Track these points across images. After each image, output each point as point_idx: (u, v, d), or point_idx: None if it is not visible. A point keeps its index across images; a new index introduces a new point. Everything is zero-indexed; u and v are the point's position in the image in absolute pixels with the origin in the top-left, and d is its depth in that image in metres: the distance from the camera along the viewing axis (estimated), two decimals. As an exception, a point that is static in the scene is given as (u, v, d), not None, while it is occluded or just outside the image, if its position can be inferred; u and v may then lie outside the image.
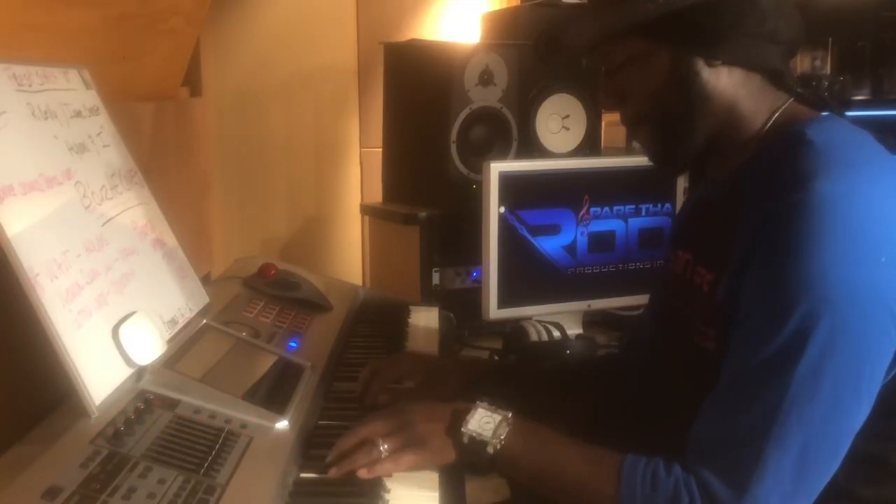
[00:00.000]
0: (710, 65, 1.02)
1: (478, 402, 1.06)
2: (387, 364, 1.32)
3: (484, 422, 1.03)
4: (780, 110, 1.05)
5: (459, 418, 1.04)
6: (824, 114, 1.05)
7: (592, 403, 1.34)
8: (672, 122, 1.06)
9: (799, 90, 1.06)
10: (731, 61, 1.02)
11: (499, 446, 1.01)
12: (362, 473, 1.00)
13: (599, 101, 1.15)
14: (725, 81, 1.03)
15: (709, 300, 1.04)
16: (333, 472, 1.01)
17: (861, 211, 0.90)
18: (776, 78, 1.05)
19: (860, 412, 0.91)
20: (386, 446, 1.02)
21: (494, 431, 1.02)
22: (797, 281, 0.89)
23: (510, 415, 1.04)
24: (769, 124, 1.04)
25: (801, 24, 1.04)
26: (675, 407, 1.10)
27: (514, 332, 1.79)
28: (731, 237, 0.99)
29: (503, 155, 2.01)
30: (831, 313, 0.88)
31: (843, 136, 0.99)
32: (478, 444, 1.02)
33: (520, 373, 1.42)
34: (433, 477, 1.04)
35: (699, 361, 1.06)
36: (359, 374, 1.33)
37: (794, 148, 0.96)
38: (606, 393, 1.33)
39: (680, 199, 1.94)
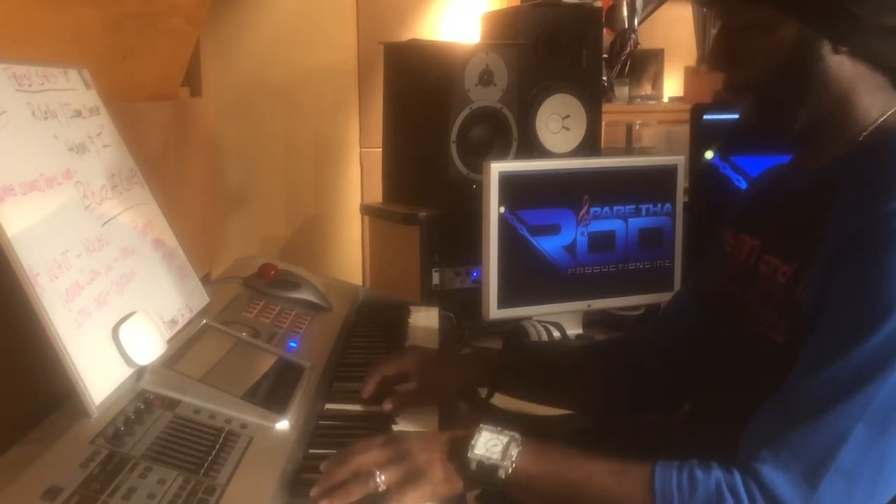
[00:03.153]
0: (836, 51, 0.96)
1: (481, 425, 0.98)
2: (387, 360, 1.30)
3: (491, 444, 0.96)
4: (893, 111, 0.99)
5: (464, 444, 0.96)
6: None
7: (597, 390, 1.31)
8: (779, 99, 1.00)
9: None
10: (858, 52, 0.96)
11: (510, 469, 0.94)
12: None
13: (705, 57, 1.07)
14: (847, 71, 0.97)
15: (787, 294, 0.99)
16: None
17: None
18: None
19: None
20: (383, 478, 0.94)
21: (504, 453, 0.95)
22: (892, 291, 0.85)
23: (518, 435, 0.97)
24: (876, 124, 0.99)
25: None
26: (726, 395, 1.08)
27: (514, 332, 1.79)
28: (818, 232, 0.95)
29: (503, 155, 2.01)
30: None
31: None
32: (487, 468, 0.94)
33: (522, 362, 1.40)
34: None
35: (762, 351, 1.02)
36: (359, 374, 1.32)
37: None
38: (611, 378, 1.31)
39: (680, 198, 1.94)
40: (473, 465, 0.95)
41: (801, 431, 0.87)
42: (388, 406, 1.20)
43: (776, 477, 0.86)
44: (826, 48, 0.97)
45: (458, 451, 0.97)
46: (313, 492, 0.93)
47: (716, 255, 1.21)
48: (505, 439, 0.96)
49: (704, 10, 2.98)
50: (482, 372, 1.32)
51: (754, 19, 0.99)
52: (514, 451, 0.95)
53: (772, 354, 1.00)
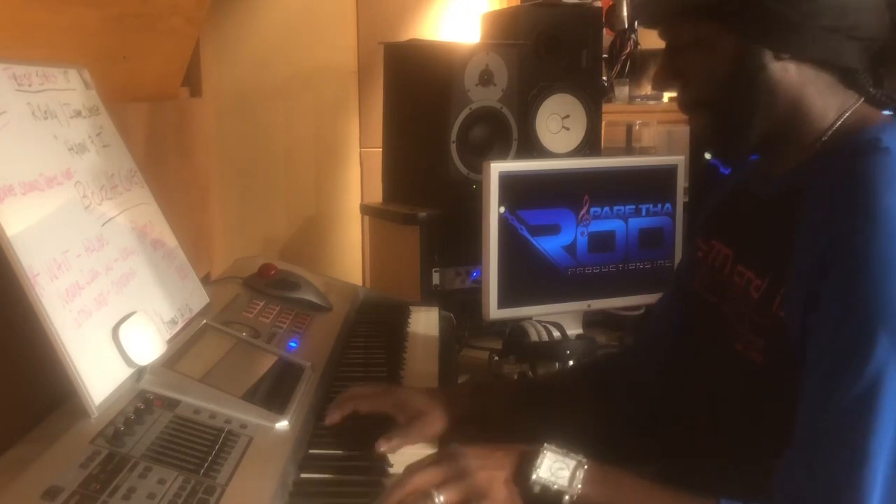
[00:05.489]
0: (777, 58, 0.97)
1: (545, 445, 0.95)
2: (367, 396, 1.17)
3: (556, 468, 0.93)
4: (851, 110, 0.99)
5: (528, 464, 0.93)
6: (887, 113, 1.00)
7: (596, 409, 1.28)
8: (730, 112, 1.01)
9: (871, 90, 1.00)
10: (801, 56, 0.97)
11: (576, 496, 0.91)
12: None
13: (653, 79, 1.09)
14: (793, 76, 0.97)
15: (762, 310, 0.98)
16: None
17: None
18: (849, 76, 0.99)
19: None
20: (442, 499, 0.90)
21: (570, 480, 0.92)
22: (878, 307, 0.83)
23: (584, 459, 0.94)
24: (837, 125, 0.99)
25: (885, 17, 0.97)
26: (712, 414, 1.07)
27: (514, 332, 1.79)
28: (791, 243, 0.93)
29: (503, 155, 2.01)
30: None
31: None
32: (552, 493, 0.92)
33: (516, 392, 1.35)
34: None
35: (741, 371, 1.01)
36: (359, 374, 1.32)
37: (868, 155, 0.91)
38: (610, 396, 1.28)
39: (681, 198, 1.94)
40: (537, 489, 0.92)
41: (822, 483, 0.86)
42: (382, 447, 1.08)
43: None
44: (768, 56, 0.97)
45: (521, 471, 0.93)
46: None
47: (688, 259, 1.21)
48: (571, 463, 0.93)
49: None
50: (472, 405, 1.22)
51: (696, 37, 1.00)
52: (580, 477, 0.92)
53: (751, 375, 0.99)
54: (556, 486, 0.92)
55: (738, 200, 1.13)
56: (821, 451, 0.86)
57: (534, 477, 0.92)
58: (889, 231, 0.84)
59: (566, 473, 0.92)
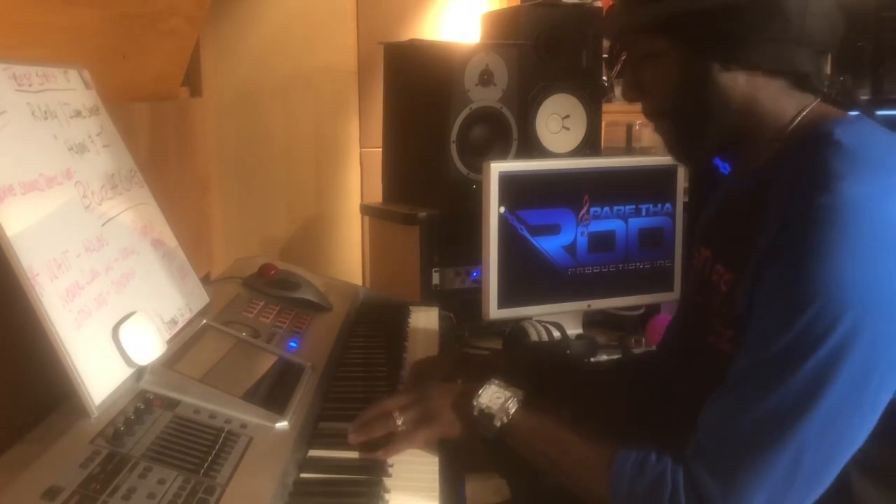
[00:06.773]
0: (726, 69, 1.00)
1: (492, 379, 1.11)
2: (432, 363, 1.35)
3: (495, 397, 1.08)
4: (807, 109, 1.02)
5: (472, 392, 1.09)
6: (852, 114, 1.02)
7: (625, 406, 1.33)
8: (686, 120, 1.05)
9: (825, 90, 1.03)
10: (749, 66, 1.00)
11: (505, 420, 1.06)
12: (380, 454, 1.06)
13: (622, 90, 1.13)
14: (743, 85, 1.01)
15: (727, 301, 1.03)
16: (351, 439, 1.08)
17: (890, 215, 0.87)
18: (801, 79, 1.02)
19: (865, 423, 0.89)
20: (401, 419, 1.08)
21: (503, 405, 1.07)
22: (815, 281, 0.87)
23: (522, 393, 1.08)
24: (795, 123, 1.02)
25: (837, 21, 1.00)
26: (688, 407, 1.10)
27: (514, 332, 1.79)
28: (752, 237, 0.97)
29: (503, 155, 2.02)
30: (848, 318, 0.86)
31: (872, 137, 0.97)
32: (486, 416, 1.07)
33: (559, 372, 1.40)
34: (433, 477, 1.04)
35: (715, 362, 1.04)
36: (359, 373, 1.32)
37: (821, 148, 0.94)
38: (639, 394, 1.32)
39: (680, 198, 1.95)
40: (475, 412, 1.08)
41: (725, 429, 0.92)
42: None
43: (702, 473, 0.91)
44: (716, 68, 1.01)
45: (467, 398, 1.09)
46: (349, 430, 1.09)
47: (687, 264, 1.24)
48: (508, 394, 1.08)
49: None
50: (527, 375, 1.29)
51: (650, 51, 1.04)
52: (512, 406, 1.07)
53: (722, 364, 1.01)
54: (489, 411, 1.07)
55: (719, 207, 1.17)
56: (737, 401, 0.92)
57: (474, 402, 1.08)
58: (841, 210, 0.87)
59: (500, 401, 1.08)
